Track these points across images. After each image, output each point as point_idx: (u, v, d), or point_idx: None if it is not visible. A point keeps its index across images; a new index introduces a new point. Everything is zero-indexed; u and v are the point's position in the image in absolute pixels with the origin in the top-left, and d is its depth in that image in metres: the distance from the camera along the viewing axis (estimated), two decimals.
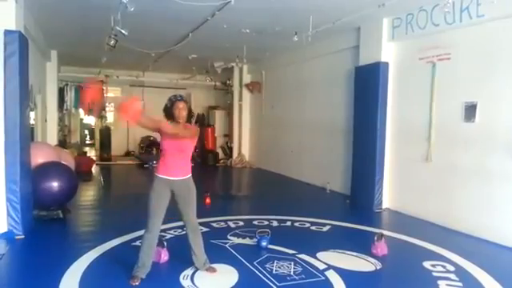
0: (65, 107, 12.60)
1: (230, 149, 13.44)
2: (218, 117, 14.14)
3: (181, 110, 3.64)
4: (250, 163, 12.62)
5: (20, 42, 4.95)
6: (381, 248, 4.48)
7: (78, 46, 9.72)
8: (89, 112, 13.67)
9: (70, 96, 12.63)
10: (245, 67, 12.34)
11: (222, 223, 5.71)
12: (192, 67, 12.16)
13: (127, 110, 3.29)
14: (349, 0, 5.74)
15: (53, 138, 10.32)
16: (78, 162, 9.22)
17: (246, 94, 12.65)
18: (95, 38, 7.78)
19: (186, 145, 3.71)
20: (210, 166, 12.82)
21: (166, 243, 4.19)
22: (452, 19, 5.41)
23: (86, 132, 18.40)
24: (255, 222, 5.76)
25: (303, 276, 3.86)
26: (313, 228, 5.62)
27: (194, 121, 3.91)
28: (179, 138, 3.59)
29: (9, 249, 4.58)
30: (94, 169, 11.53)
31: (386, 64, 6.67)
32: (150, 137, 14.09)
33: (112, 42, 6.57)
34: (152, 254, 3.78)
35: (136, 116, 3.30)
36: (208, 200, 6.91)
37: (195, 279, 3.74)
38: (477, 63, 5.29)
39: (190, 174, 3.81)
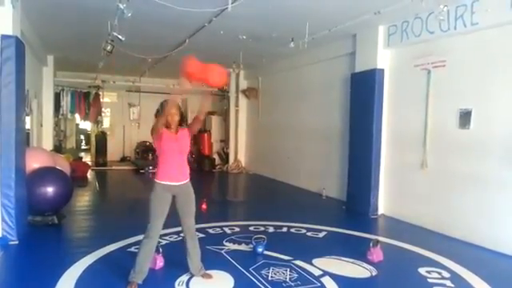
0: (61, 112, 12.58)
1: (227, 154, 13.41)
2: (215, 122, 14.12)
3: (173, 116, 3.60)
4: (246, 169, 12.62)
5: (16, 47, 4.95)
6: (376, 254, 4.49)
7: (74, 51, 9.72)
8: (85, 117, 13.63)
9: (65, 101, 12.63)
10: (241, 73, 12.37)
11: (218, 229, 5.69)
12: None
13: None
14: (345, 7, 5.79)
15: (48, 142, 10.30)
16: (74, 168, 9.18)
17: (243, 99, 12.69)
18: (92, 44, 7.78)
19: (185, 145, 3.71)
20: (206, 171, 12.78)
21: (161, 249, 4.16)
22: (447, 27, 5.46)
23: (82, 137, 18.33)
24: (251, 228, 5.75)
25: (299, 282, 3.85)
26: (309, 234, 5.62)
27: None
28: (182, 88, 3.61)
29: (2, 254, 4.55)
30: (90, 174, 11.49)
31: (382, 71, 6.71)
32: (145, 142, 14.06)
33: (109, 48, 6.57)
34: (150, 259, 3.76)
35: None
36: (204, 206, 6.89)
37: (191, 285, 3.73)
38: (471, 70, 5.33)
39: (189, 179, 3.80)
